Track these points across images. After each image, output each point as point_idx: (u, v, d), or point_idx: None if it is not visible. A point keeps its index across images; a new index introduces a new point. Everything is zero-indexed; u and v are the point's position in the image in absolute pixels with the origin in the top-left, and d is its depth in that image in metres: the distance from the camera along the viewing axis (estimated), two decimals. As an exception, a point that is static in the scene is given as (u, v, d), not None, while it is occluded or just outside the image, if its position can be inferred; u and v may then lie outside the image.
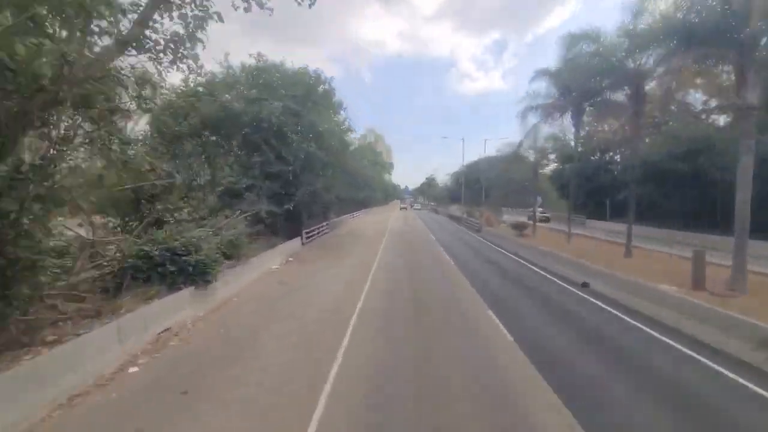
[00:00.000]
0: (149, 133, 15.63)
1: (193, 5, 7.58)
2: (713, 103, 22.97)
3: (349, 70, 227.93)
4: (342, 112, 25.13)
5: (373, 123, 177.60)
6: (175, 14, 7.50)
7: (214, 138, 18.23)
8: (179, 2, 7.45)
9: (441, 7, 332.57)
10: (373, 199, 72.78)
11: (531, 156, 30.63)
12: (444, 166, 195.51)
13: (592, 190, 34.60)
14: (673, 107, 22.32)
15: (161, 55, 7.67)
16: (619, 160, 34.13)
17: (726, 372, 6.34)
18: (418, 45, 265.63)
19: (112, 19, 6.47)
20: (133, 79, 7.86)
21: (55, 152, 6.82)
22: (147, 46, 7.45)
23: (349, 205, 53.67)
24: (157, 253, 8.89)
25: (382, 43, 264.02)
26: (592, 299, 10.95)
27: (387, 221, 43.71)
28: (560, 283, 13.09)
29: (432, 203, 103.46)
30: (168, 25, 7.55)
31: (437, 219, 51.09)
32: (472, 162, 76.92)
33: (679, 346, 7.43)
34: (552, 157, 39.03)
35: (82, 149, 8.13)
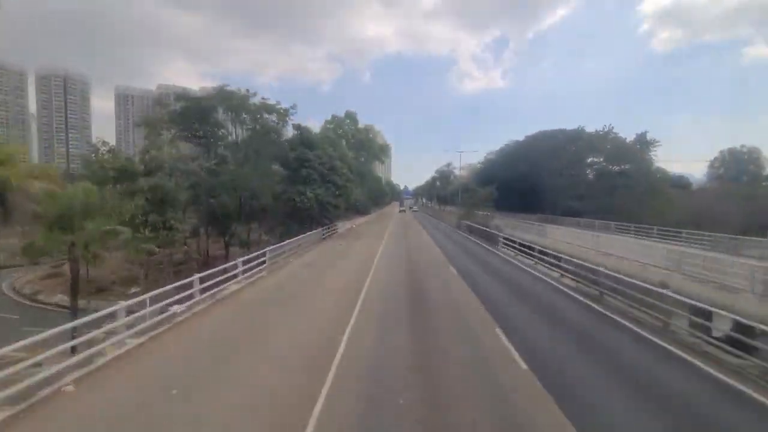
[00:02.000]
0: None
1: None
2: None
3: (349, 70, 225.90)
4: None
5: (373, 122, 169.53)
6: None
7: None
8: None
9: (441, 6, 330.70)
10: (354, 204, 41.57)
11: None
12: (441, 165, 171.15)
13: None
14: None
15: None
16: None
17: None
18: (419, 43, 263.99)
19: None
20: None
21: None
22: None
23: (293, 230, 26.21)
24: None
25: (381, 41, 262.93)
26: None
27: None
28: None
29: (448, 207, 60.57)
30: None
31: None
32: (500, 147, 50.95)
33: None
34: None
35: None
